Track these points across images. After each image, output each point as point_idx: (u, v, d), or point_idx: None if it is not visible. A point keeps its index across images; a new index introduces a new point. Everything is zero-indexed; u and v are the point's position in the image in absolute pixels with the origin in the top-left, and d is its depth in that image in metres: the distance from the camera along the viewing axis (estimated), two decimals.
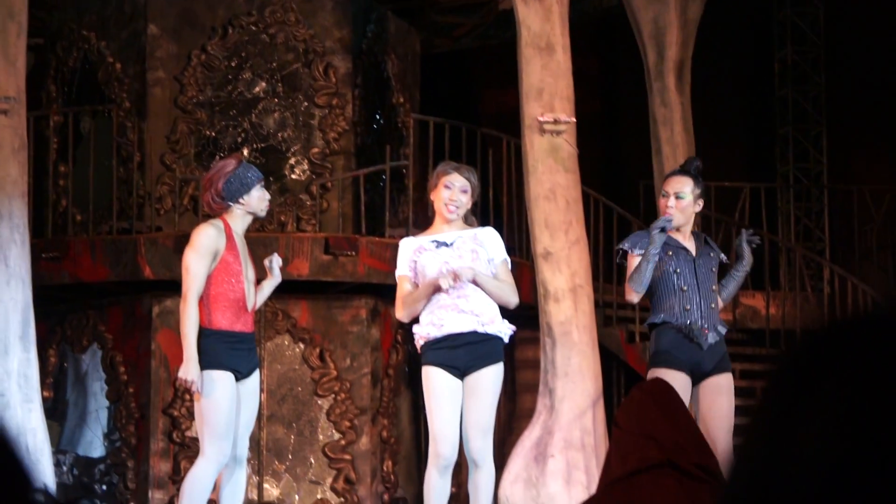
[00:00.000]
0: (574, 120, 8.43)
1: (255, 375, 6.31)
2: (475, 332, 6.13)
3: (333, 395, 9.76)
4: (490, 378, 6.13)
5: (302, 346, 9.79)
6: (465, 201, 6.27)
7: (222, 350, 6.12)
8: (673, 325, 6.46)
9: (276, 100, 10.26)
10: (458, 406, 6.16)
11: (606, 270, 10.51)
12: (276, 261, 6.41)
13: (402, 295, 6.29)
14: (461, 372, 6.16)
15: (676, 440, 3.04)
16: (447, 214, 6.28)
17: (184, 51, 10.23)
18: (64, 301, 9.86)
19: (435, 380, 6.15)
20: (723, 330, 6.53)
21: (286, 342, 9.80)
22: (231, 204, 6.15)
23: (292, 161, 10.24)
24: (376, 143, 10.50)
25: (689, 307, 6.48)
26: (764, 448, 1.06)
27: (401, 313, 6.36)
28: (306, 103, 10.29)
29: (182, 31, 10.27)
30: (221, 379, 6.08)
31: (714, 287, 6.59)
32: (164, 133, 10.17)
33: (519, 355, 10.76)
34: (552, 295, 8.26)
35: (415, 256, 6.28)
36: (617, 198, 11.11)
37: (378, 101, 10.67)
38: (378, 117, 10.66)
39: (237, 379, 6.18)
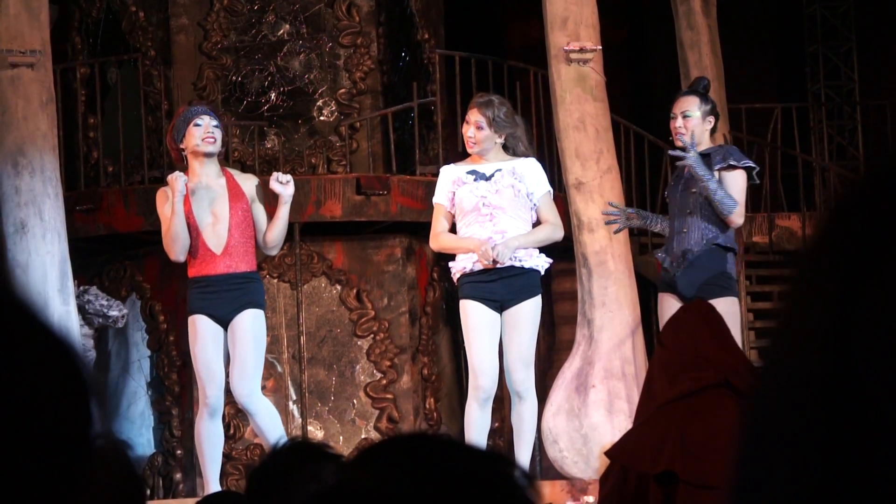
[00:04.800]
0: (600, 48, 8.36)
1: (244, 315, 6.29)
2: (511, 267, 6.13)
3: (372, 336, 9.79)
4: (528, 311, 6.14)
5: (339, 287, 9.81)
6: (483, 137, 6.24)
7: (193, 296, 6.39)
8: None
9: (300, 41, 10.22)
10: (496, 338, 6.17)
11: (640, 198, 10.46)
12: (274, 179, 6.41)
13: (438, 226, 6.30)
14: (499, 305, 6.16)
15: (730, 361, 3.03)
16: (468, 149, 6.29)
17: None
18: (100, 253, 9.91)
19: (472, 313, 6.16)
20: (693, 252, 6.37)
21: (322, 284, 9.82)
22: (183, 154, 6.32)
23: (320, 103, 10.21)
24: (403, 80, 10.45)
25: (666, 232, 6.49)
26: (813, 333, 0.79)
27: (434, 244, 6.38)
28: (331, 44, 10.25)
29: None
30: (192, 324, 6.29)
31: (689, 210, 6.50)
32: (191, 80, 10.15)
33: (556, 287, 10.75)
34: (586, 225, 8.24)
35: (453, 188, 6.28)
36: (647, 125, 11.04)
37: (403, 38, 10.61)
38: (403, 55, 10.60)
39: (222, 323, 6.27)
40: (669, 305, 6.37)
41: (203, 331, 6.30)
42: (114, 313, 8.96)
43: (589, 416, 7.95)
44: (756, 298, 10.33)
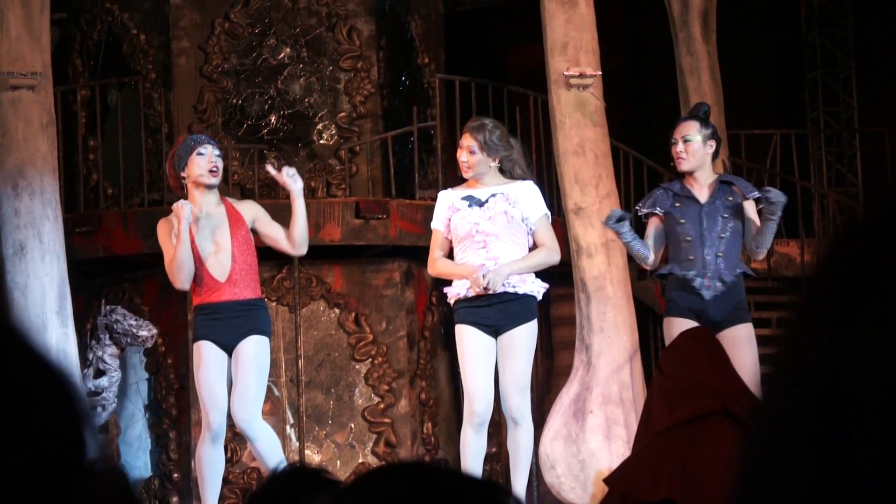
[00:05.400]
0: (600, 73, 8.38)
1: (248, 341, 6.29)
2: (506, 293, 6.13)
3: (370, 360, 9.78)
4: (524, 336, 6.12)
5: (337, 311, 9.81)
6: (476, 161, 6.24)
7: (198, 323, 6.39)
8: (677, 276, 6.47)
9: (300, 65, 10.24)
10: (491, 364, 6.16)
11: (639, 224, 10.46)
12: (284, 174, 6.36)
13: (435, 251, 6.32)
14: (493, 330, 6.15)
15: (729, 389, 3.02)
16: (463, 174, 6.31)
17: (207, 19, 10.22)
18: (99, 275, 9.91)
19: (467, 338, 6.16)
20: (729, 278, 6.43)
21: (321, 308, 9.81)
22: (183, 182, 6.31)
23: (320, 126, 10.23)
24: (403, 104, 10.47)
25: (692, 258, 6.46)
26: (811, 363, 0.82)
27: (431, 270, 6.39)
28: (331, 67, 10.27)
29: None
30: (196, 349, 6.29)
31: (723, 235, 6.52)
32: (191, 103, 10.17)
33: (554, 312, 10.74)
34: (585, 250, 8.24)
35: (449, 213, 6.29)
36: (646, 150, 11.05)
37: (403, 62, 10.64)
38: (404, 79, 10.62)
39: (227, 349, 6.27)
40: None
41: (207, 356, 6.30)
42: (143, 333, 8.97)
43: (587, 441, 7.94)
44: (754, 325, 10.30)
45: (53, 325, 7.83)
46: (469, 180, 6.37)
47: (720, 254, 6.43)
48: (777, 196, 6.37)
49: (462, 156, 6.31)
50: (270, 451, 6.27)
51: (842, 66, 12.82)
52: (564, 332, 10.40)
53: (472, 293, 6.14)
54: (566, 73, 8.29)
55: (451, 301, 6.27)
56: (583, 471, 7.91)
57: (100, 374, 9.01)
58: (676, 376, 3.11)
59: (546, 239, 6.25)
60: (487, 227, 6.15)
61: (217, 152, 6.40)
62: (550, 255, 6.24)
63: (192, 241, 6.31)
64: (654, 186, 10.69)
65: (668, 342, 6.53)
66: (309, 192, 10.06)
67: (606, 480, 3.45)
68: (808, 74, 12.91)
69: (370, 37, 10.34)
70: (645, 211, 6.66)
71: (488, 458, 10.29)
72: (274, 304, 9.69)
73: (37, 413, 0.88)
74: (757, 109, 12.59)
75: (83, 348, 9.35)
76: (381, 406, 9.77)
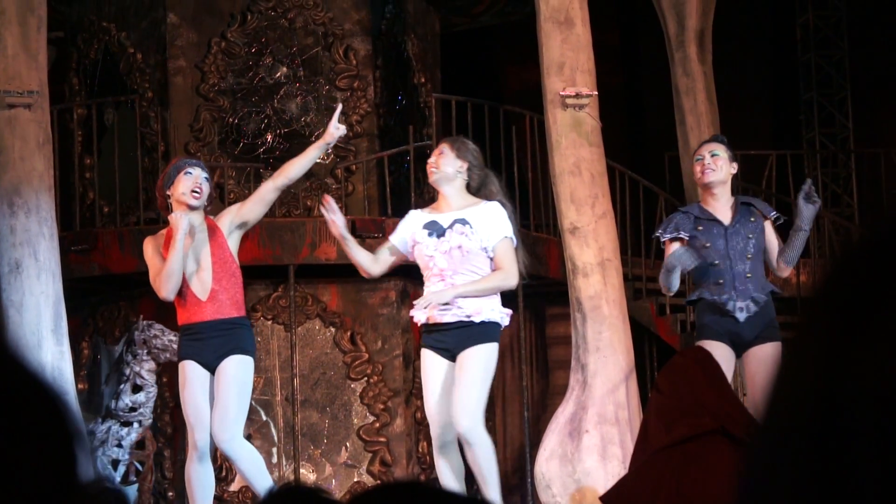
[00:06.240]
0: (596, 93, 8.40)
1: (230, 361, 6.30)
2: (462, 321, 6.11)
3: (366, 378, 9.77)
4: (476, 356, 6.04)
5: (333, 330, 9.80)
6: (444, 161, 6.22)
7: (183, 343, 6.44)
8: (708, 301, 6.45)
9: (297, 84, 10.25)
10: (447, 387, 6.13)
11: (634, 244, 10.47)
12: (335, 124, 6.39)
13: (376, 248, 6.35)
14: (450, 354, 6.13)
15: (726, 408, 3.02)
16: (429, 177, 6.33)
17: (204, 38, 10.23)
18: (95, 293, 9.90)
19: (425, 361, 6.19)
20: (761, 298, 6.45)
21: (317, 327, 9.81)
22: (168, 202, 6.39)
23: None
24: (399, 124, 10.49)
25: (721, 281, 6.45)
26: (809, 383, 0.82)
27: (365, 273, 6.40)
28: (328, 87, 10.29)
29: (201, 18, 10.27)
30: (181, 369, 6.35)
31: (750, 255, 6.53)
32: (188, 122, 10.18)
33: (550, 331, 10.74)
34: (581, 270, 8.24)
35: (410, 241, 6.28)
36: (642, 170, 11.07)
37: (399, 81, 10.65)
38: (400, 98, 10.64)
39: (210, 369, 6.30)
40: (722, 355, 6.25)
41: (191, 375, 6.34)
42: None
43: (582, 461, 7.93)
44: None
45: (49, 344, 7.82)
46: (437, 200, 6.35)
47: (749, 274, 6.43)
48: (806, 220, 6.35)
49: (430, 158, 6.33)
50: (254, 471, 6.29)
51: (837, 88, 12.85)
52: (560, 352, 10.39)
53: (430, 320, 6.16)
54: (562, 92, 8.31)
55: (418, 324, 6.31)
56: (578, 490, 7.90)
57: (137, 389, 9.01)
58: (674, 395, 3.11)
59: (504, 262, 6.14)
60: (442, 263, 6.15)
61: (205, 175, 6.45)
62: (506, 279, 6.13)
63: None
64: (650, 205, 10.71)
65: None
66: (305, 211, 10.07)
67: (603, 498, 3.45)
68: (803, 95, 12.94)
69: (366, 56, 10.35)
70: (668, 237, 6.60)
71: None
72: (269, 322, 9.68)
73: (30, 431, 0.88)
74: (753, 130, 12.61)
75: (78, 367, 9.34)
76: (377, 425, 9.76)
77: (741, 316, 6.37)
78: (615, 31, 13.29)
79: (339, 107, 6.71)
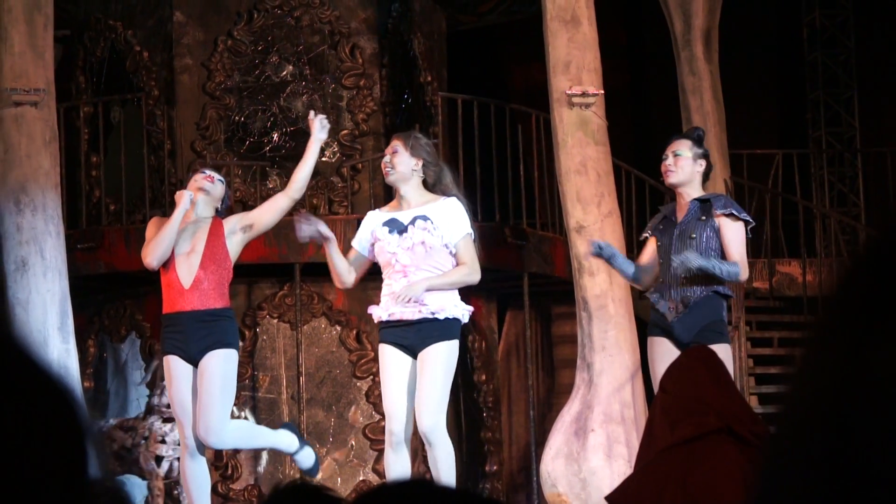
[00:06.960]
0: (602, 92, 8.40)
1: (212, 356, 6.27)
2: (424, 318, 6.09)
3: (372, 377, 9.78)
4: (438, 354, 6.02)
5: (338, 328, 9.80)
6: (398, 161, 6.22)
7: (164, 336, 6.43)
8: (650, 298, 6.48)
9: (303, 83, 10.26)
10: (406, 383, 6.11)
11: (640, 242, 10.46)
12: (319, 118, 6.45)
13: (349, 259, 6.32)
14: (411, 350, 6.11)
15: (731, 407, 3.02)
16: (385, 177, 6.33)
17: (210, 37, 10.24)
18: (101, 291, 9.91)
19: (384, 357, 6.15)
20: (692, 298, 6.31)
21: (322, 325, 9.81)
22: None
23: (322, 144, 10.23)
24: (405, 122, 10.49)
25: (662, 280, 6.42)
26: (825, 385, 0.82)
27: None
28: (334, 85, 10.29)
29: (208, 17, 10.28)
30: (166, 364, 6.37)
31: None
32: (194, 120, 10.18)
33: (556, 331, 10.74)
34: (587, 269, 8.24)
35: (370, 238, 6.27)
36: (648, 169, 11.06)
37: (405, 80, 10.65)
38: (406, 97, 10.64)
39: (193, 363, 6.27)
40: (661, 350, 6.33)
41: (175, 372, 6.32)
42: None
43: (588, 460, 7.93)
44: (756, 344, 10.31)
45: (55, 341, 7.83)
46: (395, 198, 6.34)
47: (685, 274, 6.30)
48: (682, 262, 6.24)
49: (385, 158, 6.33)
50: (249, 439, 6.41)
51: (844, 87, 12.84)
52: (566, 351, 10.39)
53: (392, 317, 6.13)
54: (568, 91, 8.31)
55: (376, 321, 6.27)
56: (584, 489, 7.90)
57: None
58: (678, 394, 3.11)
59: (466, 258, 6.15)
60: (405, 259, 6.13)
61: (219, 177, 6.58)
62: (471, 274, 6.14)
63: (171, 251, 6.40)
64: (655, 205, 10.71)
65: (649, 362, 6.52)
66: (311, 209, 10.07)
67: (608, 498, 3.45)
68: (810, 94, 12.92)
69: (373, 55, 10.36)
70: (644, 235, 6.69)
71: (489, 477, 10.28)
72: (275, 321, 9.69)
73: (40, 426, 0.88)
74: (759, 129, 12.60)
75: (84, 365, 9.36)
76: (382, 423, 9.76)
77: (670, 315, 6.34)
78: (622, 30, 13.29)
79: (312, 113, 6.66)
